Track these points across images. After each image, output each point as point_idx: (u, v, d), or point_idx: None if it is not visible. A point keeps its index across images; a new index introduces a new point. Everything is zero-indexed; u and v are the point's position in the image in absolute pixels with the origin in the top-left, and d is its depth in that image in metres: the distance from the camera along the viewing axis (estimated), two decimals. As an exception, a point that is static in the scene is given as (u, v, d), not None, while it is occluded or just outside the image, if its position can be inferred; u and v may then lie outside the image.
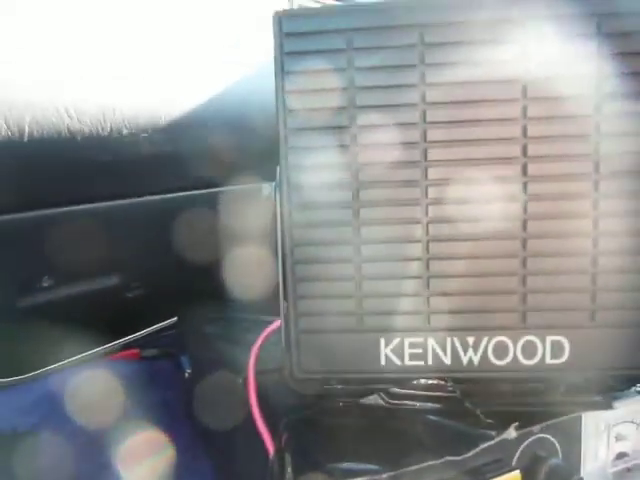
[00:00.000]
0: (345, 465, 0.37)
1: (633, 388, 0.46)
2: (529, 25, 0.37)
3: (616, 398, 0.45)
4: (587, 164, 0.37)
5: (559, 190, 0.38)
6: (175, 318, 0.85)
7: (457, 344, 0.39)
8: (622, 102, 0.36)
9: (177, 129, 0.57)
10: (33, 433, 0.71)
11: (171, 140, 0.57)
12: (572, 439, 0.45)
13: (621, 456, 0.49)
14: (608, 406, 0.44)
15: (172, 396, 0.77)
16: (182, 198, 0.65)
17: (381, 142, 0.37)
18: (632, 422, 0.48)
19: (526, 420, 0.42)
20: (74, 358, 0.82)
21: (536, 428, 0.43)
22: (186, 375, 0.75)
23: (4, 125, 0.47)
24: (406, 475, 0.36)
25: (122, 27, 0.55)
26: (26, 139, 0.48)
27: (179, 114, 0.57)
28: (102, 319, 0.78)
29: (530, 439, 0.43)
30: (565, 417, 0.44)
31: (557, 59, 0.36)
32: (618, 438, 0.48)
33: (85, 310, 0.73)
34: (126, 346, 0.86)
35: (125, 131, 0.54)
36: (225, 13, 0.64)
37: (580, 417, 0.45)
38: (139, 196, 0.62)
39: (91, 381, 0.83)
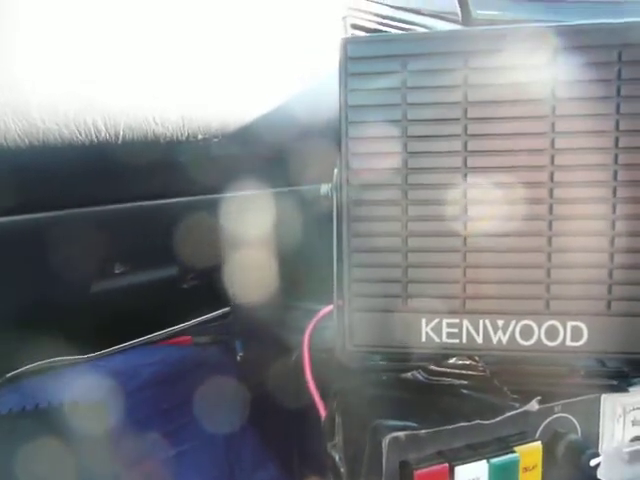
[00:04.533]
0: (388, 422, 0.43)
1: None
2: (558, 52, 0.43)
3: (632, 384, 0.50)
4: (607, 173, 0.43)
5: (581, 195, 0.44)
6: (227, 308, 0.92)
7: (488, 325, 0.46)
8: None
9: (244, 135, 0.64)
10: (99, 405, 0.79)
11: (239, 144, 0.64)
12: (591, 420, 0.49)
13: (636, 439, 0.53)
14: (624, 389, 0.49)
15: (224, 378, 0.84)
16: (241, 198, 0.72)
17: (428, 151, 0.44)
18: (647, 410, 0.53)
19: (549, 398, 0.47)
20: (135, 341, 0.90)
21: (557, 407, 0.48)
22: (238, 358, 0.82)
23: (103, 128, 0.55)
24: (442, 433, 0.43)
25: (197, 49, 0.62)
26: (120, 141, 0.56)
27: (247, 121, 0.64)
28: (161, 307, 0.86)
29: (551, 417, 0.48)
30: (584, 397, 0.49)
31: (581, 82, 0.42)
32: (634, 423, 0.53)
33: (147, 298, 0.81)
34: (180, 333, 0.93)
35: (200, 136, 0.62)
36: (290, 29, 0.70)
37: (599, 400, 0.50)
38: (203, 194, 0.70)
39: (148, 363, 0.91)
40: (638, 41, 0.42)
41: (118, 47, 0.55)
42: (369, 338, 0.47)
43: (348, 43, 0.44)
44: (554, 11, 1.06)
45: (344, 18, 0.79)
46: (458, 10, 1.01)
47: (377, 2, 0.86)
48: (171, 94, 0.60)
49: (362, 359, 0.51)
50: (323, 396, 0.52)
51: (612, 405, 0.50)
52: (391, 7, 0.88)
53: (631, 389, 0.50)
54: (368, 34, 0.71)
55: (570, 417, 0.49)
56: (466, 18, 0.99)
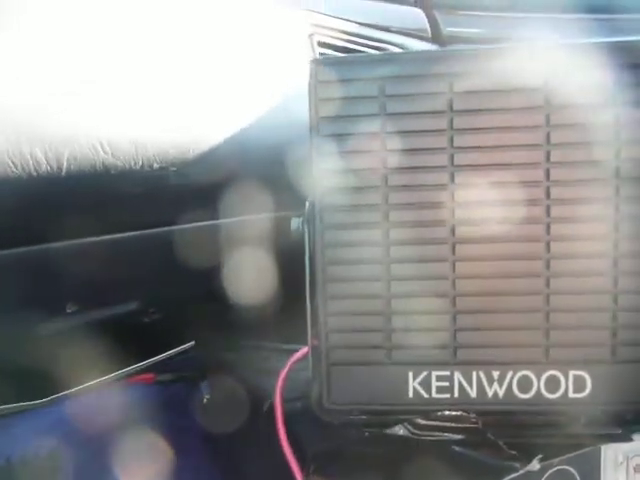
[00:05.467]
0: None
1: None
2: (548, 77, 0.39)
3: (634, 431, 0.46)
4: (607, 211, 0.39)
5: (580, 232, 0.39)
6: (192, 342, 0.86)
7: (482, 378, 0.41)
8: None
9: (206, 162, 0.59)
10: (51, 456, 0.72)
11: (200, 173, 0.59)
12: (592, 471, 0.46)
13: (639, 488, 0.50)
14: (627, 438, 0.45)
15: (188, 420, 0.78)
16: (201, 228, 0.67)
17: (412, 184, 0.39)
18: (649, 455, 0.49)
19: (547, 451, 0.43)
20: (91, 383, 0.83)
21: (557, 460, 0.44)
22: (204, 401, 0.75)
23: (43, 159, 0.49)
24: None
25: (154, 66, 0.57)
26: (64, 173, 0.50)
27: (210, 147, 0.59)
28: (120, 344, 0.80)
29: (551, 470, 0.44)
30: (585, 449, 0.45)
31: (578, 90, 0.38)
32: (636, 470, 0.49)
33: (104, 336, 0.74)
34: (142, 371, 0.87)
35: (156, 165, 0.56)
36: (254, 51, 0.66)
37: (599, 449, 0.46)
38: (161, 226, 0.64)
39: (106, 405, 0.84)
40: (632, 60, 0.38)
41: (58, 64, 0.49)
42: (349, 395, 0.42)
43: (318, 65, 0.39)
44: (522, 25, 1.05)
45: (310, 36, 0.76)
46: (427, 27, 0.99)
47: (344, 19, 0.83)
48: (122, 119, 0.54)
49: (342, 415, 0.45)
50: (299, 456, 0.47)
51: (613, 454, 0.47)
52: (359, 24, 0.85)
53: (635, 436, 0.46)
54: (341, 55, 0.67)
55: (571, 469, 0.45)
56: (436, 35, 0.96)
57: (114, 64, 0.53)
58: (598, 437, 0.45)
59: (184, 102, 0.59)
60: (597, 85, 0.37)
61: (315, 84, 0.39)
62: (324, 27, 0.78)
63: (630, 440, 0.45)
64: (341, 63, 0.39)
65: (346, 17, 0.84)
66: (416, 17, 0.96)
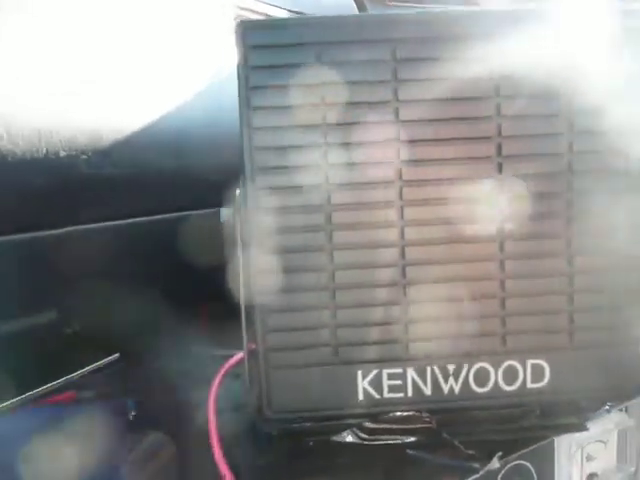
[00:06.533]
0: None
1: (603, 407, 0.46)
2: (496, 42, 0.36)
3: (588, 419, 0.45)
4: (560, 186, 0.37)
5: (534, 211, 0.37)
6: (117, 355, 0.79)
7: (437, 373, 0.37)
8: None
9: (122, 151, 0.53)
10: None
11: (112, 163, 0.53)
12: (546, 463, 0.45)
13: (592, 477, 0.48)
14: (583, 428, 0.43)
15: (113, 440, 0.71)
16: (126, 226, 0.61)
17: (354, 161, 0.35)
18: (601, 441, 0.48)
19: (504, 447, 0.41)
20: (2, 405, 0.75)
21: (513, 456, 0.42)
22: (130, 418, 0.69)
23: None
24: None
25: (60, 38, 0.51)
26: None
27: (126, 134, 0.53)
28: (35, 359, 0.72)
29: (507, 466, 0.42)
30: (540, 442, 0.43)
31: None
32: (588, 459, 0.48)
33: (17, 350, 0.67)
34: (61, 389, 0.79)
35: (63, 153, 0.50)
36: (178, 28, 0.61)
37: (553, 440, 0.44)
38: (74, 222, 0.58)
39: (19, 429, 0.76)
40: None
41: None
42: (291, 401, 0.37)
43: (247, 28, 0.34)
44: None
45: (236, 19, 0.71)
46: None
47: (272, 5, 0.79)
48: (23, 101, 0.48)
49: (284, 424, 0.41)
50: (235, 471, 0.42)
51: (567, 444, 0.46)
52: (288, 11, 0.81)
53: (589, 425, 0.44)
54: (273, 17, 0.62)
55: (526, 464, 0.43)
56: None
57: (14, 43, 0.46)
58: (554, 428, 0.43)
59: (98, 85, 0.53)
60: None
61: (243, 50, 0.34)
62: (251, 11, 0.73)
63: (586, 429, 0.43)
64: (273, 26, 0.35)
65: (274, 3, 0.80)
66: (347, 5, 0.93)
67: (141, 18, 0.59)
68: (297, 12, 0.83)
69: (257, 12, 0.76)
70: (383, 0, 0.96)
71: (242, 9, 0.74)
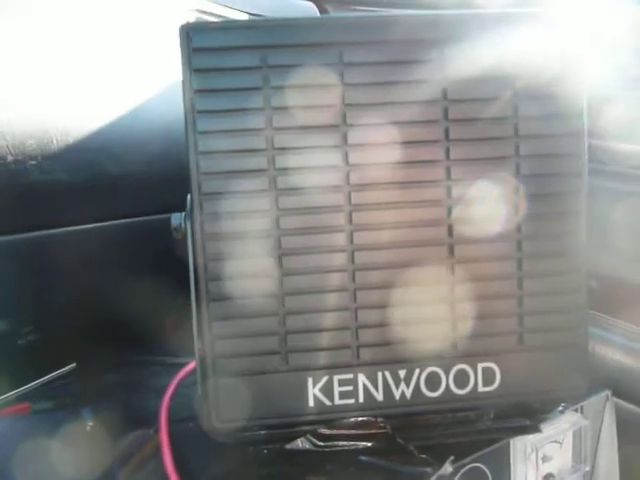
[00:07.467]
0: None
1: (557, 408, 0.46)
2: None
3: (541, 420, 0.45)
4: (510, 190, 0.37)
5: (483, 214, 0.37)
6: (73, 365, 0.77)
7: (388, 378, 0.37)
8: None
9: (73, 156, 0.52)
10: None
11: (64, 168, 0.52)
12: (502, 465, 0.44)
13: (548, 477, 0.49)
14: (537, 430, 0.43)
15: (70, 456, 0.69)
16: (79, 232, 0.59)
17: (301, 166, 0.35)
18: (556, 442, 0.48)
19: (459, 450, 0.41)
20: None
21: (468, 459, 0.42)
22: (87, 428, 0.67)
23: None
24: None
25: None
26: None
27: (77, 139, 0.52)
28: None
29: (463, 470, 0.42)
30: (495, 445, 0.43)
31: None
32: (544, 459, 0.48)
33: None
34: (16, 400, 0.77)
35: (10, 158, 0.48)
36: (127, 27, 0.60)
37: (508, 442, 0.44)
38: (25, 230, 0.56)
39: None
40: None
41: None
42: (242, 410, 0.37)
43: (191, 31, 0.34)
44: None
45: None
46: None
47: (230, 7, 0.78)
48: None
49: (236, 432, 0.40)
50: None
51: (522, 446, 0.46)
52: (247, 14, 0.80)
53: (542, 427, 0.44)
54: (217, 20, 0.62)
55: (482, 466, 0.43)
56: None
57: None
58: (508, 431, 0.43)
59: (47, 88, 0.52)
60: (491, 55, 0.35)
61: (188, 53, 0.34)
62: (207, 13, 0.73)
63: (539, 431, 0.44)
64: (218, 29, 0.34)
65: (232, 5, 0.79)
66: (309, 10, 0.93)
67: (96, 20, 0.58)
68: (255, 14, 0.82)
69: (217, 15, 0.75)
70: (347, 5, 0.96)
71: (202, 12, 0.73)
